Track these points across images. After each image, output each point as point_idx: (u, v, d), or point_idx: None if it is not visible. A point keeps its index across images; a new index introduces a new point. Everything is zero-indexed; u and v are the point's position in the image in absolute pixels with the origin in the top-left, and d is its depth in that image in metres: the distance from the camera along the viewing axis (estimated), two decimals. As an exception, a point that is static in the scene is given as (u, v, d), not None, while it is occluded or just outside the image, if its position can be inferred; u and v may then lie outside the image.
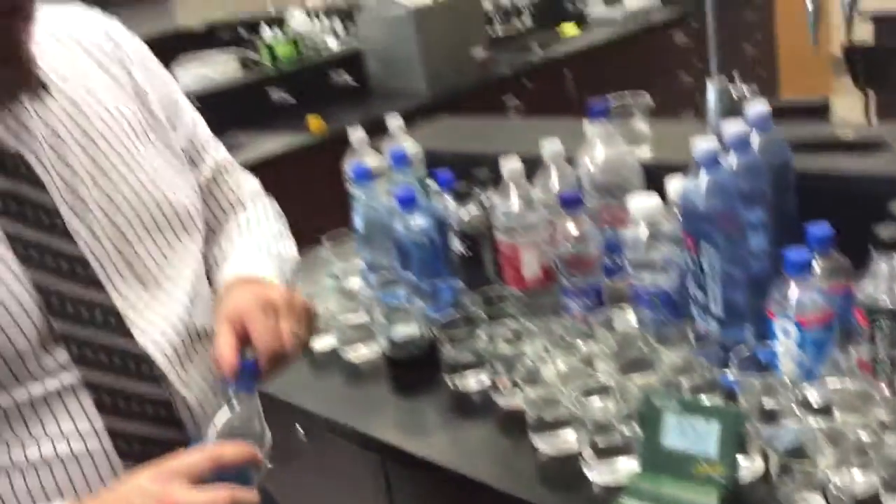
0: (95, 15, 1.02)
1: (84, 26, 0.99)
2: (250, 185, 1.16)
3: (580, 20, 4.84)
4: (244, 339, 0.89)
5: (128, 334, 0.88)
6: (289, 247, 1.12)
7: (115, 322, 0.88)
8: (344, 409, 1.29)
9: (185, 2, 7.22)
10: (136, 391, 0.88)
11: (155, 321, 0.91)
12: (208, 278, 1.04)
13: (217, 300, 0.98)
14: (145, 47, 1.04)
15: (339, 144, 3.23)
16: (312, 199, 3.23)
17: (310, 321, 0.96)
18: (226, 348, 0.87)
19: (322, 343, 1.43)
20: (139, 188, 0.94)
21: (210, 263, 1.06)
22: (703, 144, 1.01)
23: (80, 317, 0.86)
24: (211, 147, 1.09)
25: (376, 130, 3.36)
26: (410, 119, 3.42)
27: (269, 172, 3.15)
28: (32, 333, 0.84)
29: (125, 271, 0.91)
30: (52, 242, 0.86)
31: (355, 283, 1.53)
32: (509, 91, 3.86)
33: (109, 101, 0.96)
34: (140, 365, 0.88)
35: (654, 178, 1.24)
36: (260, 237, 1.08)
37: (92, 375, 0.86)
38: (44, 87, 0.89)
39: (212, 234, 1.09)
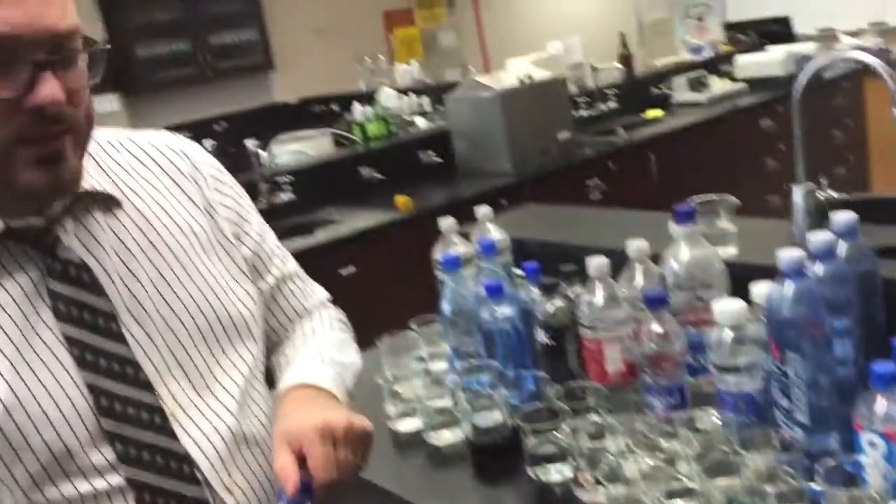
0: (177, 138, 1.13)
1: (164, 147, 1.09)
2: (317, 295, 1.23)
3: (665, 104, 4.89)
4: (301, 459, 0.93)
5: (172, 435, 0.94)
6: (351, 355, 1.17)
7: (160, 422, 0.94)
8: (426, 493, 1.32)
9: (282, 79, 7.60)
10: (178, 492, 0.93)
11: (202, 425, 0.97)
12: (270, 383, 1.10)
13: (276, 407, 1.03)
14: (219, 166, 1.13)
15: (424, 221, 3.35)
16: (398, 273, 3.32)
17: (367, 446, 1.00)
18: (288, 465, 0.91)
19: (407, 425, 1.47)
20: (198, 296, 1.01)
21: (274, 369, 1.13)
22: (788, 254, 1.03)
23: (128, 416, 0.92)
24: (277, 259, 1.16)
25: (462, 209, 3.46)
26: (495, 198, 3.53)
27: (358, 247, 3.29)
28: (82, 432, 0.90)
29: (178, 375, 0.97)
30: (106, 345, 0.93)
31: (441, 366, 1.58)
32: (593, 172, 3.92)
33: (178, 216, 1.04)
34: (183, 466, 0.94)
35: (739, 278, 1.26)
36: (322, 346, 1.14)
37: (136, 474, 0.91)
38: (116, 203, 0.99)
39: (277, 342, 1.16)
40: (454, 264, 1.56)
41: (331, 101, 7.27)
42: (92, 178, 0.98)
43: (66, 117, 0.87)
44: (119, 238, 0.99)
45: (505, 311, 1.46)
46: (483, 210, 1.75)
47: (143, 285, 0.98)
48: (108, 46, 0.93)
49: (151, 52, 6.64)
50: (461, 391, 1.42)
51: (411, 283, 3.30)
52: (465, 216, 3.20)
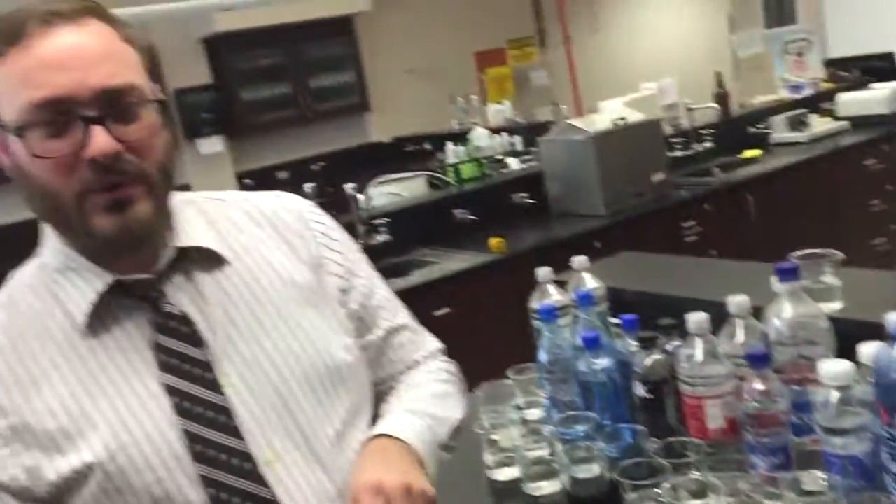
0: (293, 198, 1.18)
1: (278, 206, 1.15)
2: (429, 346, 1.26)
3: (763, 143, 4.79)
4: None
5: (262, 482, 0.98)
6: (450, 408, 1.19)
7: (250, 469, 0.98)
8: (524, 543, 1.33)
9: (378, 119, 7.80)
10: None
11: (294, 473, 1.00)
12: None
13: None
14: (332, 224, 1.18)
15: (518, 263, 3.38)
16: (492, 314, 3.35)
17: None
18: None
19: (504, 474, 1.49)
20: (296, 347, 1.05)
21: (380, 412, 1.16)
22: (897, 317, 1.02)
23: (220, 462, 0.96)
24: (386, 312, 1.19)
25: (554, 251, 3.47)
26: (588, 241, 3.53)
27: (452, 289, 3.34)
28: (180, 476, 0.95)
29: (274, 423, 1.01)
30: (203, 394, 0.98)
31: (538, 415, 1.60)
32: (689, 214, 3.88)
33: (283, 269, 1.09)
34: None
35: (845, 335, 1.24)
36: (419, 396, 1.16)
37: None
38: (222, 259, 1.05)
39: (385, 393, 1.19)
40: (551, 315, 1.58)
41: (424, 141, 7.43)
42: (200, 236, 1.05)
43: (126, 167, 0.92)
44: (224, 290, 1.04)
45: (602, 362, 1.47)
46: (579, 259, 1.77)
47: (242, 334, 1.02)
48: (164, 98, 0.99)
49: (255, 96, 6.93)
50: (558, 441, 1.44)
51: (505, 324, 3.32)
52: (558, 258, 3.21)
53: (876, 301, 1.48)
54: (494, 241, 3.47)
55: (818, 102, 5.11)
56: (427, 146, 7.27)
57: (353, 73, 7.48)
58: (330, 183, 6.52)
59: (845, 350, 1.19)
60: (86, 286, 0.98)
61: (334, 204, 4.92)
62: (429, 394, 1.18)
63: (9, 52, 0.90)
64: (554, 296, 1.70)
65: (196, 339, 1.00)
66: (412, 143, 7.62)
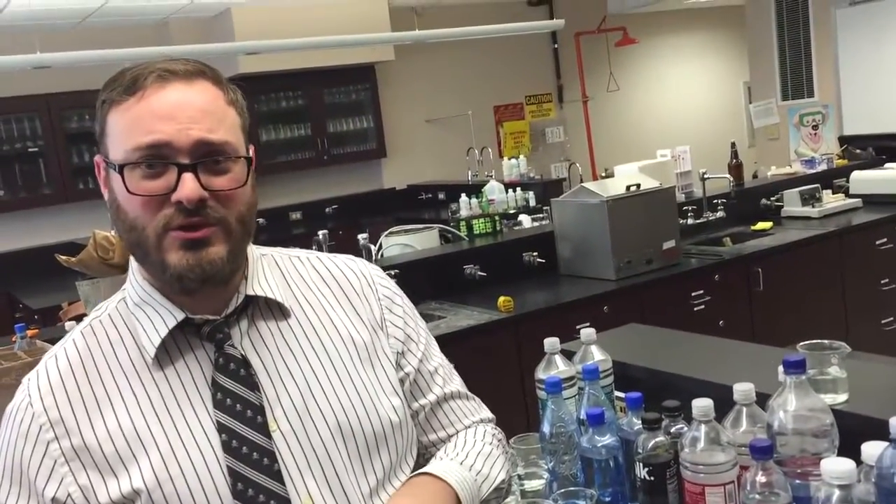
0: (364, 262, 1.25)
1: (346, 268, 1.22)
2: (479, 414, 1.30)
3: (775, 216, 4.81)
4: None
5: None
6: (495, 468, 1.21)
7: None
8: None
9: (393, 166, 7.88)
10: None
11: None
12: None
13: None
14: (397, 290, 1.24)
15: (523, 323, 3.38)
16: (494, 373, 3.35)
17: None
18: None
19: (501, 546, 1.48)
20: (346, 402, 1.10)
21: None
22: (901, 423, 1.02)
23: (259, 503, 1.01)
24: (440, 378, 1.24)
25: (562, 314, 3.47)
26: (596, 305, 3.54)
27: (457, 344, 3.34)
28: None
29: (315, 471, 1.05)
30: (251, 435, 1.03)
31: (537, 486, 1.59)
32: (698, 284, 3.89)
33: (342, 327, 1.15)
34: None
35: (849, 430, 1.25)
36: (465, 452, 1.19)
37: None
38: (287, 311, 1.12)
39: (431, 455, 1.22)
40: (556, 387, 1.58)
41: (438, 190, 7.50)
42: (270, 287, 1.12)
43: (209, 213, 1.01)
44: (284, 340, 1.11)
45: (605, 439, 1.47)
46: (587, 332, 1.78)
47: (296, 384, 1.08)
48: (249, 157, 1.07)
49: (274, 137, 7.03)
50: (558, 516, 1.43)
51: (507, 383, 3.33)
52: (565, 321, 3.25)
53: (882, 395, 1.49)
54: (502, 300, 3.48)
55: (831, 178, 5.14)
56: (441, 196, 7.34)
57: (371, 120, 7.59)
58: (342, 226, 6.58)
59: (849, 444, 1.20)
60: (159, 320, 1.06)
61: (345, 249, 4.97)
62: (476, 451, 1.21)
63: (127, 100, 1.01)
64: (560, 367, 1.71)
65: (252, 383, 1.06)
66: (426, 191, 7.69)
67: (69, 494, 1.00)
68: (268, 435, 1.04)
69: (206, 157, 1.01)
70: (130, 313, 1.08)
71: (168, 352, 1.06)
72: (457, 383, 1.28)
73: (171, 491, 1.00)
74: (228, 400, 1.04)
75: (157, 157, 0.99)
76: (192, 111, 1.00)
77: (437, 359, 1.26)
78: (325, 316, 1.15)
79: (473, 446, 1.21)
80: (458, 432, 1.24)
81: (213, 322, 1.07)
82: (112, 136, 1.02)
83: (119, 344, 1.07)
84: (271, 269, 1.15)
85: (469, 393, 1.30)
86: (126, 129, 1.00)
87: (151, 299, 1.07)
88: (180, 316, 1.05)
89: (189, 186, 0.99)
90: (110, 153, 1.03)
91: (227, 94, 1.06)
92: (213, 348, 1.06)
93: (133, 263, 1.10)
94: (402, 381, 1.19)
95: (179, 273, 1.01)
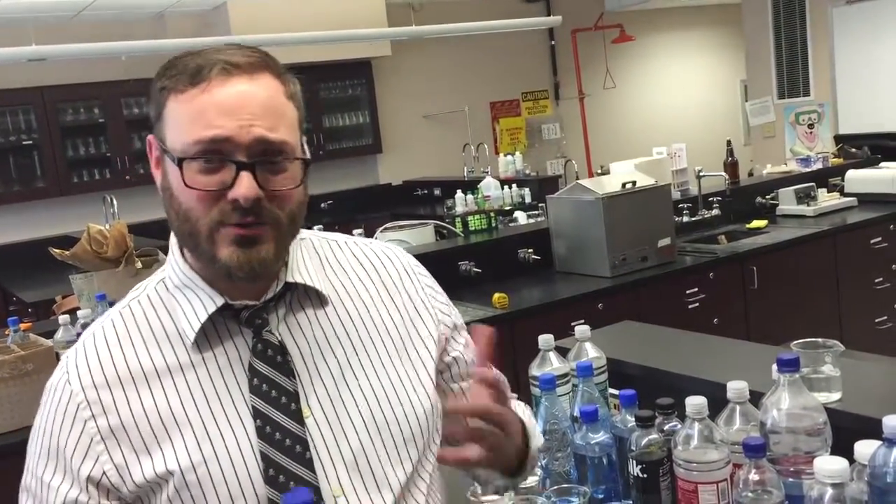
0: (399, 250, 1.26)
1: (384, 256, 1.22)
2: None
3: (770, 214, 4.82)
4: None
5: None
6: (539, 438, 1.29)
7: (316, 501, 1.02)
8: None
9: (388, 161, 7.88)
10: None
11: None
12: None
13: None
14: (431, 279, 1.25)
15: (518, 320, 3.38)
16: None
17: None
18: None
19: (494, 543, 1.48)
20: (380, 393, 1.11)
21: None
22: (894, 422, 1.03)
23: (289, 489, 1.01)
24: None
25: (557, 310, 3.46)
26: (591, 302, 3.54)
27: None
28: (251, 496, 1.01)
29: (348, 460, 1.06)
30: (285, 422, 1.04)
31: (531, 482, 1.59)
32: (692, 282, 3.89)
33: (378, 317, 1.15)
34: None
35: (842, 428, 1.25)
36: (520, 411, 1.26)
37: None
38: (325, 299, 1.12)
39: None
40: (550, 384, 1.58)
41: (434, 186, 7.49)
42: (309, 274, 1.12)
43: (263, 212, 1.01)
44: (321, 328, 1.11)
45: (599, 437, 1.48)
46: (581, 329, 1.78)
47: (332, 373, 1.09)
48: (308, 158, 1.07)
49: (269, 132, 7.00)
50: (551, 513, 1.44)
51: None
52: (560, 318, 3.24)
53: (875, 394, 1.50)
54: (497, 297, 3.48)
55: (826, 177, 5.15)
56: (436, 192, 7.34)
57: (367, 115, 7.57)
58: (338, 222, 6.57)
59: (842, 443, 1.20)
60: (199, 304, 1.06)
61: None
62: (527, 415, 1.27)
63: (189, 90, 1.00)
64: (554, 364, 1.71)
65: (288, 370, 1.07)
66: (422, 187, 7.69)
67: (104, 472, 1.01)
68: (301, 422, 1.05)
69: (265, 155, 1.01)
70: (171, 295, 1.09)
71: (207, 335, 1.06)
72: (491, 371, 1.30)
73: (204, 473, 1.00)
74: (264, 385, 1.05)
75: (215, 153, 0.99)
76: (254, 107, 1.00)
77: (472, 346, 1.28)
78: (361, 304, 1.15)
79: (524, 412, 1.26)
80: None
81: (252, 307, 1.07)
82: (171, 125, 1.02)
83: (158, 325, 1.08)
84: (310, 255, 1.15)
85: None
86: (187, 121, 1.00)
87: (192, 283, 1.08)
88: (220, 301, 1.06)
89: (246, 185, 0.99)
90: (167, 140, 1.02)
91: (287, 88, 1.06)
92: (251, 334, 1.07)
93: (174, 245, 1.10)
94: (448, 366, 1.21)
95: (229, 268, 1.01)
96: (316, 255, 1.16)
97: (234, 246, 1.01)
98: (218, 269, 1.03)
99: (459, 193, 5.67)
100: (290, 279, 1.10)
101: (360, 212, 7.18)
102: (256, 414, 1.04)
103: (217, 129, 0.98)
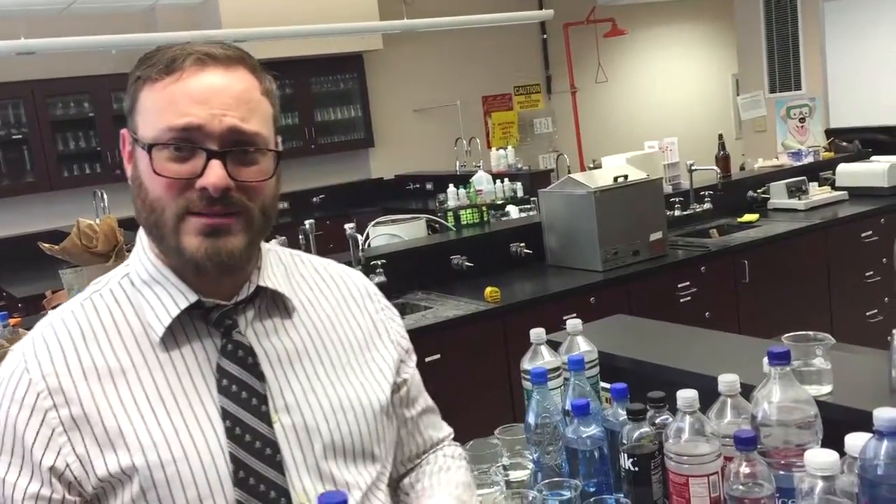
0: (357, 273, 1.29)
1: (346, 276, 1.25)
2: (445, 429, 1.36)
3: (761, 208, 4.83)
4: None
5: None
6: (473, 497, 1.28)
7: (285, 503, 1.03)
8: None
9: (380, 155, 7.85)
10: None
11: None
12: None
13: None
14: (387, 302, 1.28)
15: (510, 313, 3.38)
16: (481, 363, 3.35)
17: None
18: None
19: (486, 537, 1.48)
20: (344, 399, 1.12)
21: (407, 490, 1.25)
22: (885, 415, 1.03)
23: (258, 492, 1.01)
24: (424, 393, 1.30)
25: (548, 305, 3.46)
26: (583, 296, 3.54)
27: (443, 335, 3.34)
28: (220, 497, 1.00)
29: (312, 469, 1.06)
30: (255, 423, 1.03)
31: (523, 476, 1.59)
32: (684, 276, 3.89)
33: (342, 330, 1.17)
34: None
35: (833, 421, 1.25)
36: (454, 481, 1.25)
37: None
38: (292, 306, 1.12)
39: (411, 466, 1.29)
40: (542, 378, 1.58)
41: (426, 180, 7.48)
42: (278, 282, 1.12)
43: (233, 202, 1.00)
44: (289, 336, 1.12)
45: (590, 430, 1.47)
46: (573, 322, 1.78)
47: (299, 381, 1.09)
48: (279, 151, 1.07)
49: (261, 126, 6.97)
50: (542, 506, 1.43)
51: (494, 373, 3.33)
52: (551, 312, 3.24)
53: (866, 387, 1.50)
54: (489, 291, 3.48)
55: (818, 171, 5.16)
56: (428, 186, 7.33)
57: (359, 109, 7.55)
58: (329, 216, 6.55)
59: (833, 435, 1.20)
60: (169, 300, 1.05)
61: (332, 239, 4.95)
62: (459, 482, 1.26)
63: (163, 79, 1.00)
64: (546, 358, 1.70)
65: (258, 372, 1.06)
66: (414, 181, 7.67)
67: (67, 465, 0.99)
68: (270, 425, 1.04)
69: (237, 146, 1.00)
70: (137, 291, 1.07)
71: (174, 334, 1.05)
72: (429, 398, 1.34)
73: (173, 472, 0.99)
74: (234, 387, 1.04)
75: (186, 141, 0.98)
76: (227, 98, 1.00)
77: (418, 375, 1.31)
78: (325, 316, 1.16)
79: (457, 475, 1.27)
80: (433, 448, 1.30)
81: (222, 307, 1.06)
82: (143, 114, 1.01)
83: (122, 321, 1.05)
84: (277, 265, 1.16)
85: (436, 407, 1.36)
86: (159, 109, 0.99)
87: (163, 278, 1.06)
88: (193, 298, 1.04)
89: (216, 173, 0.98)
90: (139, 130, 1.02)
91: (262, 84, 1.06)
92: (220, 335, 1.06)
93: (143, 240, 1.09)
94: (398, 387, 1.23)
95: (196, 260, 1.00)
96: (282, 265, 1.17)
97: (201, 236, 1.00)
98: (184, 262, 1.01)
99: (451, 187, 5.64)
100: (262, 283, 1.09)
101: (352, 206, 7.17)
102: (225, 415, 1.02)
103: (189, 117, 0.98)
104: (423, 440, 1.30)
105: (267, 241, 1.17)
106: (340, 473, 1.08)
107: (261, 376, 1.06)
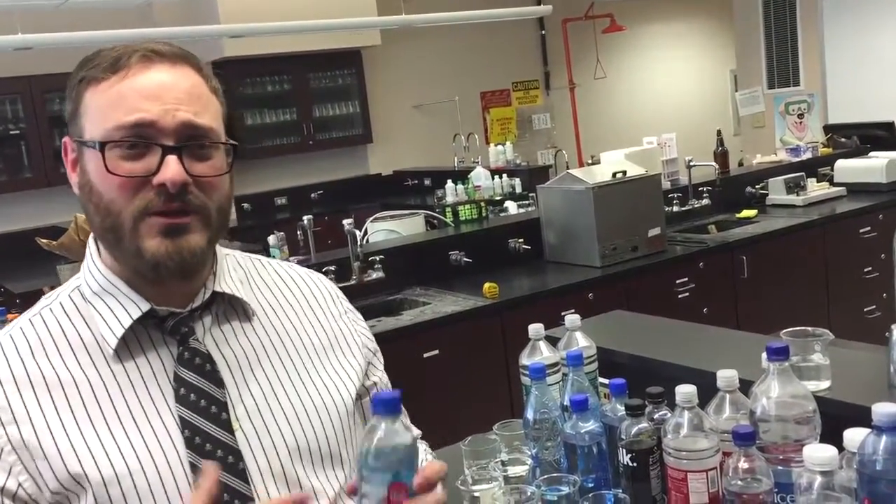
0: (321, 276, 1.27)
1: (307, 278, 1.23)
2: (413, 431, 1.36)
3: (760, 204, 4.83)
4: None
5: None
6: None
7: None
8: None
9: (379, 151, 7.84)
10: None
11: None
12: None
13: None
14: (351, 305, 1.26)
15: (508, 309, 3.38)
16: (479, 358, 3.34)
17: None
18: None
19: (484, 532, 1.48)
20: (310, 407, 1.10)
21: None
22: (883, 409, 1.02)
23: (222, 502, 0.97)
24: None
25: (547, 300, 3.47)
26: (581, 291, 3.54)
27: (442, 331, 3.33)
28: None
29: (277, 476, 1.04)
30: (215, 432, 1.01)
31: (521, 472, 1.59)
32: (682, 271, 3.90)
33: (304, 332, 1.15)
34: None
35: (832, 416, 1.25)
36: None
37: None
38: (251, 311, 1.11)
39: None
40: (540, 373, 1.58)
41: (424, 176, 7.48)
42: (236, 287, 1.10)
43: (190, 199, 0.98)
44: (249, 341, 1.09)
45: (589, 426, 1.47)
46: (571, 318, 1.77)
47: (260, 386, 1.07)
48: (235, 143, 1.05)
49: (259, 121, 6.97)
50: (540, 503, 1.43)
51: (492, 369, 3.33)
52: (550, 308, 3.24)
53: (865, 382, 1.50)
54: (487, 286, 3.48)
55: (816, 167, 5.16)
56: (427, 182, 7.32)
57: (357, 105, 7.54)
58: (328, 212, 6.55)
59: (832, 431, 1.20)
60: (121, 311, 1.02)
61: (330, 234, 4.94)
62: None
63: (108, 78, 0.97)
64: (544, 353, 1.70)
65: (217, 379, 1.04)
66: (412, 177, 7.67)
67: (20, 484, 0.95)
68: (231, 432, 1.02)
69: (192, 140, 0.98)
70: (88, 303, 1.04)
71: (128, 345, 1.02)
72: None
73: (129, 486, 0.96)
74: (192, 395, 1.01)
75: (140, 137, 0.96)
76: (178, 92, 0.98)
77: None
78: (286, 320, 1.14)
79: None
80: None
81: (177, 315, 1.03)
82: (90, 115, 0.99)
83: (74, 334, 1.02)
84: (235, 269, 1.13)
85: None
86: (107, 107, 0.97)
87: (114, 288, 1.03)
88: (145, 307, 1.01)
89: (173, 169, 0.96)
90: (86, 132, 0.99)
91: (209, 83, 1.04)
92: (176, 343, 1.03)
93: (92, 250, 1.06)
94: (368, 390, 1.21)
95: (157, 261, 0.97)
96: (241, 269, 1.15)
97: (161, 236, 0.97)
98: (144, 265, 0.98)
99: (450, 183, 5.65)
100: (218, 288, 1.07)
101: (350, 202, 7.16)
102: (184, 424, 1.00)
103: (141, 113, 0.95)
104: None
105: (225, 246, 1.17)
106: (307, 479, 1.06)
107: (219, 383, 1.03)
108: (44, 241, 2.94)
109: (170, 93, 0.97)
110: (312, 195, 7.42)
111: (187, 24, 6.33)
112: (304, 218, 3.72)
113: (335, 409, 1.12)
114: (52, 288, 3.36)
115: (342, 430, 1.12)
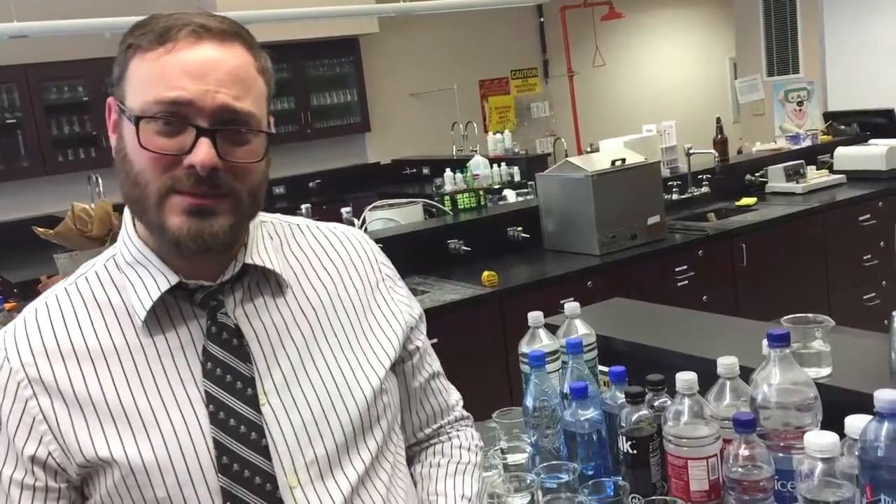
0: (361, 234, 1.23)
1: (347, 242, 1.19)
2: (454, 394, 1.33)
3: (759, 191, 4.82)
4: None
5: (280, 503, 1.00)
6: (480, 478, 1.26)
7: (271, 490, 0.99)
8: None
9: (377, 140, 7.82)
10: None
11: (311, 501, 1.01)
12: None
13: None
14: (392, 269, 1.23)
15: (507, 297, 3.37)
16: (478, 347, 3.34)
17: None
18: None
19: (484, 520, 1.48)
20: (339, 379, 1.07)
21: (423, 478, 1.23)
22: (885, 396, 1.02)
23: (243, 478, 0.98)
24: (430, 357, 1.26)
25: (546, 288, 3.46)
26: (580, 280, 3.53)
27: (441, 319, 3.33)
28: (201, 484, 0.97)
29: (305, 450, 1.02)
30: (239, 408, 1.00)
31: (521, 459, 1.59)
32: (682, 259, 3.89)
33: (340, 302, 1.12)
34: None
35: (833, 403, 1.25)
36: (467, 484, 1.24)
37: None
38: (285, 283, 1.08)
39: (422, 436, 1.27)
40: (540, 361, 1.57)
41: (422, 165, 7.46)
42: (269, 257, 1.08)
43: (221, 183, 0.96)
44: (280, 313, 1.07)
45: (588, 413, 1.47)
46: (571, 306, 1.77)
47: (290, 360, 1.05)
48: (273, 132, 1.04)
49: (256, 110, 6.93)
50: (540, 490, 1.43)
51: (492, 357, 3.33)
52: (549, 296, 3.24)
53: (866, 369, 1.49)
54: (486, 275, 3.47)
55: (816, 154, 5.15)
56: (425, 171, 7.30)
57: (355, 93, 7.51)
58: (326, 201, 6.53)
59: (833, 418, 1.20)
60: (151, 282, 1.01)
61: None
62: (472, 493, 1.23)
63: (155, 49, 0.96)
64: (544, 341, 1.70)
65: (244, 354, 1.03)
66: (410, 166, 7.64)
67: (49, 453, 0.98)
68: (257, 408, 1.01)
69: (228, 125, 0.96)
70: (121, 273, 1.04)
71: (157, 316, 1.02)
72: (437, 361, 1.30)
73: (152, 460, 0.97)
74: (219, 370, 1.00)
75: (176, 116, 0.94)
76: (221, 74, 0.96)
77: (426, 337, 1.27)
78: (322, 289, 1.12)
79: (475, 475, 1.26)
80: (443, 414, 1.28)
81: (207, 288, 1.03)
82: (132, 84, 0.97)
83: (106, 304, 1.03)
84: (270, 237, 1.12)
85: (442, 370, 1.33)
86: (149, 80, 0.95)
87: (145, 260, 1.03)
88: (174, 279, 1.01)
89: (204, 152, 0.94)
90: (127, 99, 0.97)
91: (258, 62, 1.02)
92: (206, 316, 1.03)
93: (127, 220, 1.06)
94: (411, 354, 1.20)
95: (178, 239, 0.96)
96: (277, 238, 1.13)
97: (185, 215, 0.96)
98: (167, 241, 0.98)
99: (448, 172, 5.64)
100: (248, 260, 1.06)
101: (349, 191, 7.14)
102: (209, 399, 0.99)
103: (180, 91, 0.94)
104: (434, 406, 1.27)
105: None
106: (335, 456, 1.05)
107: (247, 358, 1.02)
108: (41, 230, 2.92)
109: (213, 73, 0.95)
110: (310, 184, 7.40)
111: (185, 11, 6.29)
112: (303, 207, 3.71)
113: (367, 384, 1.09)
114: (50, 277, 3.35)
115: (374, 405, 1.09)
